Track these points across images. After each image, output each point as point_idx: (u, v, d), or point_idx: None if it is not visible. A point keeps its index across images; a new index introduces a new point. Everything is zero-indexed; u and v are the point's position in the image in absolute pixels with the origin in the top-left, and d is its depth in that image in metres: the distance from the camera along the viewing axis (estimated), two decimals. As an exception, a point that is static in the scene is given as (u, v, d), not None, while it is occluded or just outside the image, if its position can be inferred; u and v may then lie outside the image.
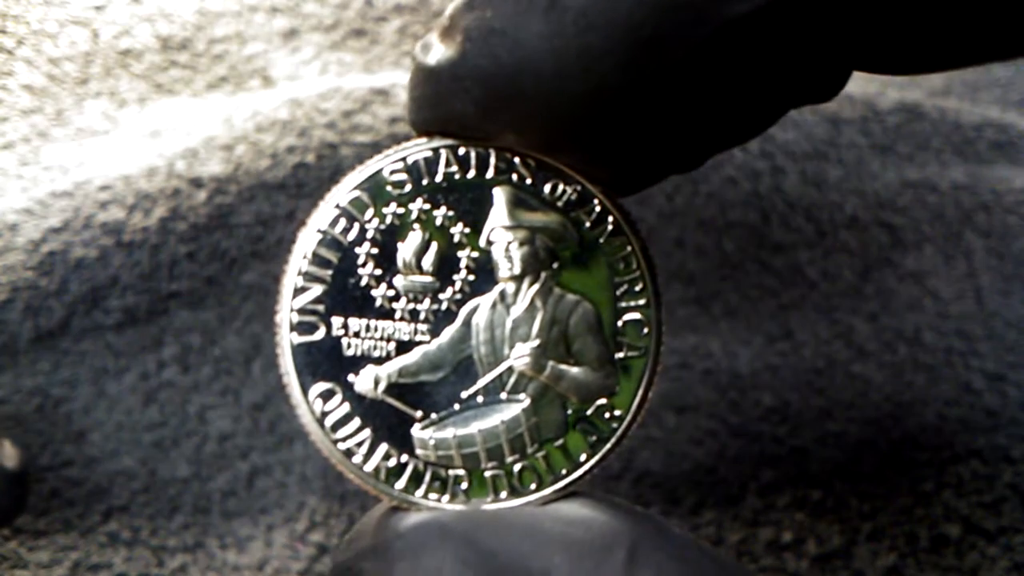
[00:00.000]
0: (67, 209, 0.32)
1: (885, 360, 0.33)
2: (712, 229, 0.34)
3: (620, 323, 0.21)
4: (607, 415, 0.21)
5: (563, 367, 0.21)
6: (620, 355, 0.21)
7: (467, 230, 0.21)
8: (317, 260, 0.21)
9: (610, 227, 0.21)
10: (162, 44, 0.37)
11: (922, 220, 0.35)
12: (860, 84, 0.37)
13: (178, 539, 0.31)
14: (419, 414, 0.21)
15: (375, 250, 0.21)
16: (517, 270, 0.21)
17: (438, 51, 0.20)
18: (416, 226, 0.21)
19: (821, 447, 0.32)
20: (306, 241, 0.21)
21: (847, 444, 0.32)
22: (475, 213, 0.21)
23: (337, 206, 0.21)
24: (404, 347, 0.21)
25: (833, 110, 0.36)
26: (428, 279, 0.21)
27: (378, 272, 0.21)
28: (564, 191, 0.21)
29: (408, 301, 0.21)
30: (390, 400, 0.21)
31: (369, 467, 0.21)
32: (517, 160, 0.21)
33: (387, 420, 0.21)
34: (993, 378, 0.32)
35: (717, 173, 0.34)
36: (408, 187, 0.21)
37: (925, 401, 0.32)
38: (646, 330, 0.21)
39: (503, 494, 0.21)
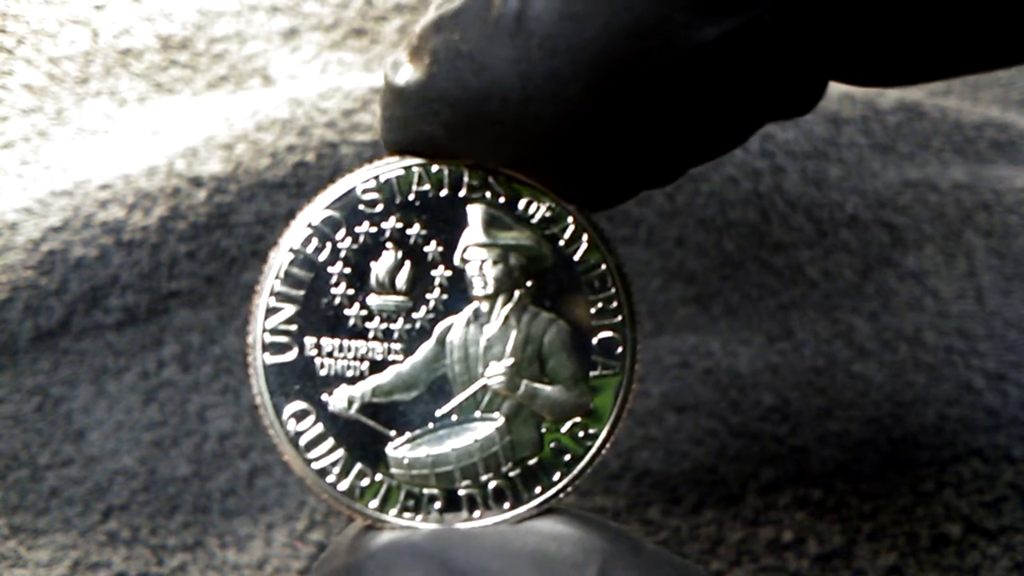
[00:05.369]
0: (67, 208, 0.32)
1: (885, 359, 0.33)
2: (712, 228, 0.34)
3: (595, 341, 0.21)
4: (581, 433, 0.21)
5: (537, 386, 0.21)
6: (595, 373, 0.21)
7: (440, 248, 0.21)
8: (289, 280, 0.21)
9: (585, 245, 0.21)
10: (162, 43, 0.37)
11: (923, 219, 0.35)
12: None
13: (178, 538, 0.31)
14: (393, 433, 0.21)
15: (348, 269, 0.21)
16: (491, 288, 0.21)
17: (407, 72, 0.20)
18: (389, 245, 0.21)
19: (821, 446, 0.32)
20: (278, 261, 0.21)
21: (847, 443, 0.32)
22: (449, 231, 0.21)
23: (309, 225, 0.21)
24: (377, 366, 0.21)
25: (833, 109, 0.36)
26: (401, 298, 0.21)
27: (351, 291, 0.21)
28: (538, 208, 0.21)
29: (381, 320, 0.21)
30: (364, 419, 0.21)
31: (343, 486, 0.21)
32: (491, 178, 0.21)
33: (361, 439, 0.21)
34: (994, 377, 0.32)
35: (718, 172, 0.34)
36: (381, 206, 0.21)
37: (926, 400, 0.32)
38: (621, 349, 0.21)
39: (477, 512, 0.21)
